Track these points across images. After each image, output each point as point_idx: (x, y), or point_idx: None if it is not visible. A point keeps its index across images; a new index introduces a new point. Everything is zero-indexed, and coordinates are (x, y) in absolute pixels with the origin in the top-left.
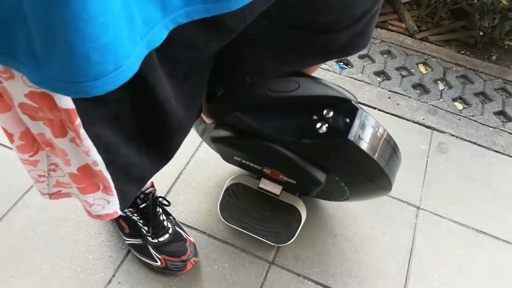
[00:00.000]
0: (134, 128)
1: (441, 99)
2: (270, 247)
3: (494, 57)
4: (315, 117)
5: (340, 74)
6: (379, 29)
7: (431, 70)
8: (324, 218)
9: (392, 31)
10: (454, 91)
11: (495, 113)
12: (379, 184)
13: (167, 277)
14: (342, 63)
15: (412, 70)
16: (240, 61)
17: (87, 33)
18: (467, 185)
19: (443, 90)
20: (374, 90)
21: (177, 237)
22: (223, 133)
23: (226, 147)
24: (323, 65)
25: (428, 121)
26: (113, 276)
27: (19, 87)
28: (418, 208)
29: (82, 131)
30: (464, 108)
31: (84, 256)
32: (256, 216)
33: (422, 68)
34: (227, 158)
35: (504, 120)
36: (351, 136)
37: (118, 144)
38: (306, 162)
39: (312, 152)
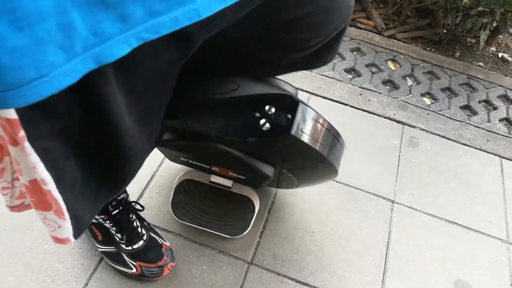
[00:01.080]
0: (85, 145)
1: (410, 95)
2: (249, 247)
3: (457, 54)
4: (257, 114)
5: (311, 72)
6: (348, 27)
7: (400, 67)
8: (301, 215)
9: (361, 28)
10: (422, 87)
11: (461, 107)
12: (325, 171)
13: (143, 283)
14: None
15: (382, 67)
16: (208, 71)
17: None
18: (438, 178)
19: (411, 86)
20: (345, 87)
21: (152, 243)
22: (166, 136)
23: (170, 149)
24: None
25: (399, 116)
26: (86, 285)
27: None
28: (393, 202)
29: (26, 145)
30: (432, 103)
31: (53, 266)
32: (210, 211)
33: (391, 65)
34: (173, 159)
35: (470, 114)
36: (294, 131)
37: (67, 160)
38: (253, 159)
39: (258, 149)
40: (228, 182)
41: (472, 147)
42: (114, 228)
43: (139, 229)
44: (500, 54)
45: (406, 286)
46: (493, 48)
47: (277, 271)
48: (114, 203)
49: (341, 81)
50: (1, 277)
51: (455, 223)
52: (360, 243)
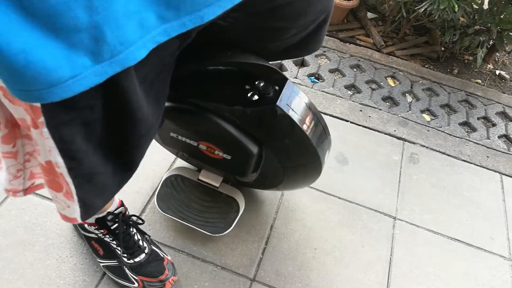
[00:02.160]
0: (104, 136)
1: (410, 111)
2: (251, 263)
3: (455, 71)
4: (247, 86)
5: (312, 88)
6: (348, 44)
7: (399, 83)
8: (303, 232)
9: (360, 45)
10: (422, 103)
11: (460, 124)
12: (310, 159)
13: None
14: (313, 77)
15: (381, 83)
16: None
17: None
18: (439, 194)
19: (411, 102)
20: (345, 103)
21: (154, 257)
22: None
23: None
24: (294, 80)
25: (399, 133)
26: None
27: None
28: (395, 218)
29: (45, 130)
30: (431, 119)
31: (55, 282)
32: (194, 207)
33: (390, 81)
34: (164, 138)
35: (469, 130)
36: (280, 103)
37: (85, 152)
38: (239, 133)
39: (244, 121)
40: (216, 181)
41: (472, 163)
42: (114, 242)
43: (140, 243)
44: (497, 72)
45: None
46: (490, 66)
47: None
48: (110, 217)
49: (342, 97)
50: None
51: (457, 240)
52: (362, 259)
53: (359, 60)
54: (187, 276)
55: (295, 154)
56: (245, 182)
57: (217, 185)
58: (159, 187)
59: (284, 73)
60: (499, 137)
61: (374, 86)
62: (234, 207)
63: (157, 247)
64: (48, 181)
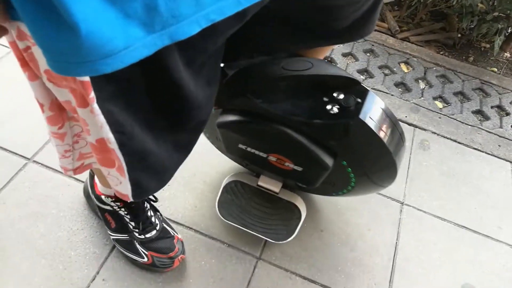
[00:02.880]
0: (150, 111)
1: (422, 98)
2: (258, 242)
3: (471, 58)
4: (325, 99)
5: None
6: None
7: (412, 69)
8: (310, 214)
9: (375, 30)
10: (435, 90)
11: (473, 112)
12: (386, 169)
13: (153, 274)
14: (326, 61)
15: (394, 69)
16: (246, 40)
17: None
18: (449, 182)
19: (424, 89)
20: None
21: (164, 234)
22: (231, 117)
23: (233, 132)
24: None
25: (411, 119)
26: (97, 273)
27: None
28: (402, 203)
29: (95, 106)
30: (444, 106)
31: (66, 253)
32: (255, 214)
33: (403, 67)
34: (231, 148)
35: (482, 118)
36: (363, 116)
37: (132, 126)
38: (315, 145)
39: (321, 134)
40: (276, 187)
41: (483, 152)
42: (128, 216)
43: (153, 219)
44: None
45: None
46: (507, 54)
47: (285, 268)
48: None
49: None
50: (15, 263)
51: (464, 227)
52: (368, 243)
53: (372, 45)
54: (195, 252)
55: (371, 164)
56: (307, 189)
57: (277, 190)
58: (219, 194)
59: None
60: None
61: (387, 71)
62: (296, 214)
63: (168, 225)
64: (100, 159)
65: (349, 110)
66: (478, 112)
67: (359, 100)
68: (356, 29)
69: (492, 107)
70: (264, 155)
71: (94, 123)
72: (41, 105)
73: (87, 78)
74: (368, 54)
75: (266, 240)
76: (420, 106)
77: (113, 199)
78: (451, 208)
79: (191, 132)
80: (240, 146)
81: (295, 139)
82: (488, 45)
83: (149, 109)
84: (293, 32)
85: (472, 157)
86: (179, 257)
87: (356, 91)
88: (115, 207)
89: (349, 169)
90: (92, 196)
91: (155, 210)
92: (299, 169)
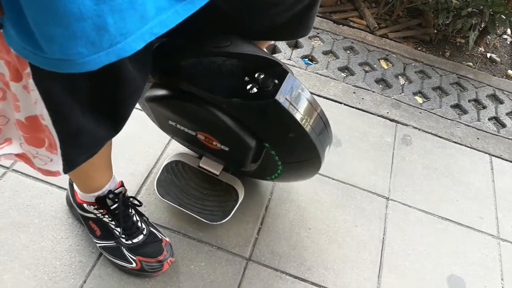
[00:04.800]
0: (91, 93)
1: (402, 93)
2: (246, 243)
3: (447, 53)
4: (246, 78)
5: (306, 70)
6: (341, 25)
7: (392, 66)
8: (297, 212)
9: (354, 27)
10: (414, 86)
11: (451, 106)
12: (308, 152)
13: (142, 279)
14: (307, 59)
15: (374, 66)
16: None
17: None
18: (431, 175)
19: (404, 84)
20: (339, 85)
21: (152, 238)
22: (157, 92)
23: (160, 107)
24: (288, 62)
25: (392, 115)
26: (84, 282)
27: None
28: (387, 198)
29: (31, 81)
30: (424, 101)
31: (51, 263)
32: (193, 194)
33: (383, 64)
34: (163, 124)
35: (460, 112)
36: (279, 97)
37: (70, 106)
38: (237, 125)
39: (242, 114)
40: (216, 170)
41: (463, 145)
42: (113, 223)
43: (139, 224)
44: (488, 55)
45: (401, 281)
46: (481, 49)
47: (275, 267)
48: (111, 196)
49: (335, 79)
50: None
51: (447, 219)
52: (356, 239)
53: (352, 42)
54: (184, 256)
55: (293, 149)
56: (245, 172)
57: (218, 173)
58: (159, 172)
59: (277, 54)
60: (489, 119)
61: (367, 68)
62: (233, 196)
63: (155, 228)
64: (27, 139)
65: (267, 91)
66: (457, 106)
67: (276, 81)
68: (291, 29)
69: (469, 100)
70: (193, 133)
71: (26, 99)
72: None
73: None
74: (348, 52)
75: (255, 241)
76: (401, 101)
77: (96, 207)
78: (434, 201)
79: (123, 109)
80: (170, 122)
81: (216, 117)
82: (463, 40)
83: (89, 91)
84: (235, 26)
85: (453, 150)
86: (168, 260)
87: (277, 73)
88: (98, 215)
89: (273, 151)
90: (74, 205)
91: (141, 214)
92: (226, 148)
